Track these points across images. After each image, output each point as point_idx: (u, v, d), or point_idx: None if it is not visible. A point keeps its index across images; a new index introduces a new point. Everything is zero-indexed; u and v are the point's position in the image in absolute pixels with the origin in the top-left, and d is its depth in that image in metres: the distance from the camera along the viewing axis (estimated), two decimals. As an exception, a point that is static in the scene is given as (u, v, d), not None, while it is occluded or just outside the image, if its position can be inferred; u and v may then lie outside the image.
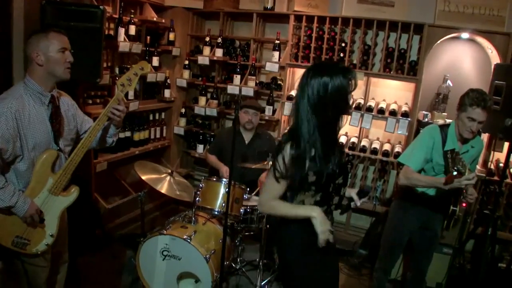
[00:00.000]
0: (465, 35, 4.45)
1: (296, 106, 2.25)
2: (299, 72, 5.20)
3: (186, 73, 5.51)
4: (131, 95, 4.69)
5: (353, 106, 4.55)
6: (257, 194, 4.15)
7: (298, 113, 2.23)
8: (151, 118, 5.32)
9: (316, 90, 2.16)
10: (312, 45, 4.85)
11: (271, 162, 2.29)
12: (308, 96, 2.19)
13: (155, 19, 4.85)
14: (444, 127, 3.27)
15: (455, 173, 2.77)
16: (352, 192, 2.49)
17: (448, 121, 3.36)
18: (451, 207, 3.23)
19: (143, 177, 3.69)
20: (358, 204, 2.47)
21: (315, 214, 2.22)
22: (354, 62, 4.74)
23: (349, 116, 2.42)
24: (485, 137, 4.37)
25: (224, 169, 4.23)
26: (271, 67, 4.94)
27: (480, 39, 4.43)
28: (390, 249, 3.55)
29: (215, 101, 5.39)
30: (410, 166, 3.21)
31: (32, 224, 2.51)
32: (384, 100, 4.88)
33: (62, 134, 2.67)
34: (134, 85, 2.73)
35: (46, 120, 2.56)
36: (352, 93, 2.24)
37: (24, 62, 2.71)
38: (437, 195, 3.31)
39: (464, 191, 3.15)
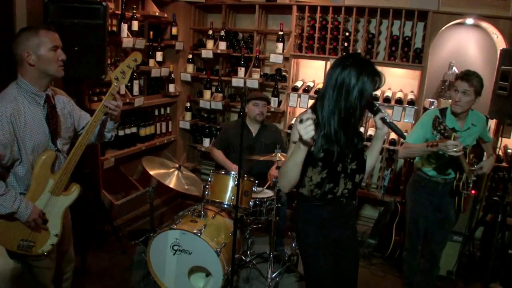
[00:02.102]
0: (469, 20, 4.41)
1: (324, 86, 2.33)
2: (304, 62, 5.20)
3: (190, 67, 5.50)
4: (135, 90, 4.68)
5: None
6: (268, 188, 4.16)
7: (324, 93, 2.30)
8: (156, 113, 5.33)
9: (342, 80, 2.22)
10: (316, 35, 4.82)
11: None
12: (334, 82, 2.25)
13: (157, 13, 4.84)
14: (443, 110, 3.40)
15: (438, 135, 2.89)
16: (376, 119, 2.38)
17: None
18: (455, 182, 3.30)
19: (151, 172, 3.69)
20: (385, 114, 2.35)
21: (296, 137, 2.15)
22: (359, 51, 4.71)
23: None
24: (492, 123, 4.35)
25: (234, 167, 4.22)
26: (275, 58, 4.92)
27: (485, 25, 4.40)
28: (410, 232, 3.59)
29: (220, 94, 5.38)
30: (408, 142, 3.39)
31: (35, 228, 2.45)
32: (389, 89, 4.86)
33: (60, 133, 2.58)
34: (128, 78, 2.65)
35: (43, 121, 2.47)
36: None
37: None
38: (444, 177, 3.37)
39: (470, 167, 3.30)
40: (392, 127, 2.35)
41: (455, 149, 2.95)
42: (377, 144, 2.52)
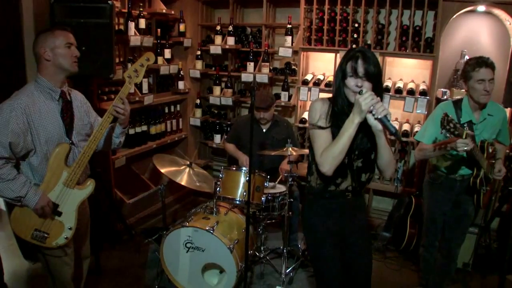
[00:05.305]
0: (481, 8, 4.32)
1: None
2: (313, 55, 5.15)
3: (199, 64, 5.48)
4: (145, 89, 4.68)
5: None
6: (279, 182, 4.13)
7: (334, 85, 2.35)
8: (166, 110, 5.31)
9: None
10: (325, 27, 4.77)
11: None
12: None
13: (164, 11, 4.81)
14: (457, 102, 3.25)
15: (447, 134, 2.75)
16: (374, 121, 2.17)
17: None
18: (471, 179, 3.20)
19: (162, 170, 3.68)
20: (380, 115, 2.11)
21: (352, 118, 2.14)
22: (369, 42, 4.66)
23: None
24: (507, 111, 4.26)
25: (244, 158, 4.21)
26: (285, 52, 4.88)
27: (497, 11, 4.30)
28: (427, 230, 3.54)
29: (230, 90, 5.36)
30: (423, 142, 3.27)
31: (43, 216, 2.54)
32: (401, 80, 4.79)
33: (75, 128, 2.70)
34: (141, 77, 2.72)
35: (57, 115, 2.61)
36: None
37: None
38: (461, 173, 3.28)
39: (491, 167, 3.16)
40: (384, 122, 2.11)
41: (465, 148, 2.76)
42: (379, 141, 2.26)
